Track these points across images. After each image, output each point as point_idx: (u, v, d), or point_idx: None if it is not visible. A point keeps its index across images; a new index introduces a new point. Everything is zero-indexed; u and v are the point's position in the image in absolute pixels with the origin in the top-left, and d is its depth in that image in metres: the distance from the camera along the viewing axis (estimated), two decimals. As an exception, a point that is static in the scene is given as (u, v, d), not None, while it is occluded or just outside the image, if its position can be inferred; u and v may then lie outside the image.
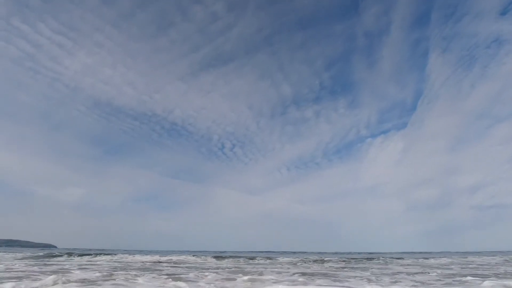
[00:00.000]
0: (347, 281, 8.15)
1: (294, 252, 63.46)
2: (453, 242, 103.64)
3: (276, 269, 12.75)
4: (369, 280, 8.36)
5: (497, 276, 9.62)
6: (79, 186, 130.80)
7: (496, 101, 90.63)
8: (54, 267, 12.23)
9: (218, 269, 12.96)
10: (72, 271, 10.02)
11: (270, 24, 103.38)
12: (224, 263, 18.48)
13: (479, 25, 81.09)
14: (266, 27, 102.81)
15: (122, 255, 25.72)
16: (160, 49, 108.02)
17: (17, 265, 13.22)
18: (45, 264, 14.27)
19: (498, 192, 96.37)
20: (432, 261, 21.09)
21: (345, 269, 13.24)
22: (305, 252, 70.03)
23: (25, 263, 14.57)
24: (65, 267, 12.68)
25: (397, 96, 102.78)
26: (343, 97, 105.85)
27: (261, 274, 10.22)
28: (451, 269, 13.34)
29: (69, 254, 26.47)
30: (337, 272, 11.46)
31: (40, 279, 7.47)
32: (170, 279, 8.03)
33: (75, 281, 7.23)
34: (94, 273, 9.31)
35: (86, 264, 14.87)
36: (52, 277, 7.41)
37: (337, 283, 7.48)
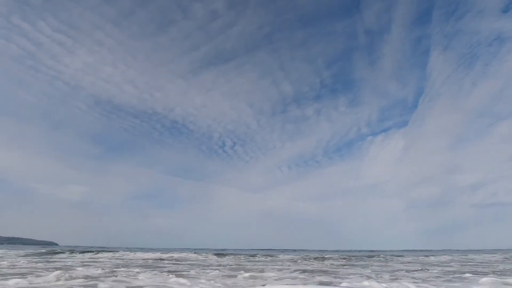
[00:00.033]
0: (347, 278, 8.22)
1: (295, 250, 63.65)
2: (454, 241, 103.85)
3: (277, 266, 12.84)
4: (369, 277, 8.43)
5: (496, 273, 9.68)
6: (80, 184, 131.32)
7: (497, 99, 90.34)
8: (57, 264, 12.35)
9: (219, 266, 13.07)
10: (75, 268, 10.12)
11: (270, 22, 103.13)
12: (225, 260, 18.60)
13: (481, 22, 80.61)
14: (266, 25, 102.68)
15: (123, 252, 25.89)
16: (161, 47, 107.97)
17: (21, 262, 13.35)
18: (47, 261, 14.40)
19: (499, 191, 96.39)
20: (432, 258, 21.17)
21: (345, 266, 13.32)
22: (306, 250, 70.18)
23: (28, 260, 14.71)
24: (67, 264, 12.80)
25: (398, 94, 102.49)
26: (344, 95, 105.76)
27: (262, 271, 10.31)
28: (451, 266, 13.41)
29: (71, 252, 26.65)
30: (338, 269, 11.54)
31: (44, 276, 7.56)
32: (172, 276, 8.11)
33: (78, 278, 7.32)
34: (97, 270, 9.41)
35: (88, 261, 14.99)
36: (56, 273, 7.50)
37: (338, 280, 7.55)
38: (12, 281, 6.42)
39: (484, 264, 14.85)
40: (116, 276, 7.98)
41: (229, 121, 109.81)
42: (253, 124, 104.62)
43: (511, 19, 75.81)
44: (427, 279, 8.25)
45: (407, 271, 10.94)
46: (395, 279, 7.99)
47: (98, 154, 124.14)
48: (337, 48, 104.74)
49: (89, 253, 24.55)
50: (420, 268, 12.02)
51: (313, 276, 8.65)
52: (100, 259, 17.23)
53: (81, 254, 23.34)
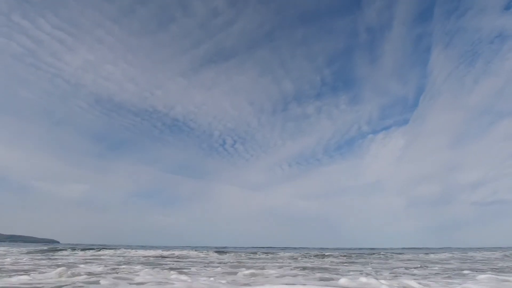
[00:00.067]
0: (347, 275, 8.30)
1: (295, 248, 63.89)
2: (454, 238, 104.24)
3: (277, 264, 12.94)
4: (368, 274, 8.51)
5: (494, 270, 9.76)
6: (81, 182, 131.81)
7: (498, 97, 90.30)
8: (59, 261, 12.46)
9: (220, 263, 13.16)
10: (77, 265, 10.23)
11: (271, 20, 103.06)
12: (226, 257, 18.71)
13: (482, 20, 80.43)
14: (267, 23, 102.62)
15: (125, 250, 26.05)
16: (161, 45, 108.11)
17: (24, 259, 13.48)
18: (49, 258, 14.52)
19: (499, 189, 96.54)
20: (432, 256, 21.25)
21: (345, 264, 13.41)
22: (306, 247, 70.43)
23: (31, 257, 14.83)
24: (70, 261, 12.91)
25: (399, 92, 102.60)
26: (345, 93, 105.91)
27: (262, 268, 10.40)
28: (450, 263, 13.49)
29: (73, 249, 26.83)
30: (338, 267, 11.62)
31: (47, 272, 7.66)
32: (174, 273, 8.20)
33: (81, 274, 7.41)
34: (99, 267, 9.51)
35: (90, 258, 15.11)
36: (58, 270, 7.59)
37: (338, 276, 7.62)
38: (15, 278, 6.51)
39: (484, 261, 14.92)
40: (118, 273, 8.07)
41: (229, 119, 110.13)
42: (253, 122, 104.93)
43: (513, 16, 75.46)
44: (427, 276, 8.32)
45: (406, 268, 11.01)
46: (394, 276, 8.07)
47: (99, 152, 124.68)
48: (338, 46, 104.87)
49: (91, 251, 24.70)
50: (419, 266, 12.10)
51: (313, 273, 8.73)
52: (101, 257, 17.35)
53: (82, 252, 23.49)
